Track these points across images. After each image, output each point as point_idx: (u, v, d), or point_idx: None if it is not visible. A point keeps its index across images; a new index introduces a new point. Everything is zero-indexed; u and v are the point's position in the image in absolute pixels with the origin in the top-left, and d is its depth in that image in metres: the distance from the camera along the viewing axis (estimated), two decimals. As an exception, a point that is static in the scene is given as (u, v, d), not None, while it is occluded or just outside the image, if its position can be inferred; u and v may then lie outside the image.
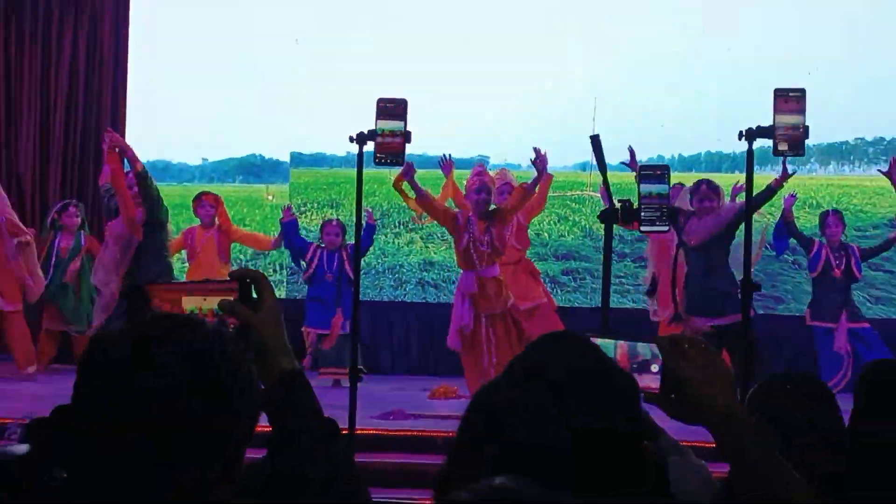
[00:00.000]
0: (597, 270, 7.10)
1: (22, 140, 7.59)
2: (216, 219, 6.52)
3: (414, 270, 7.75)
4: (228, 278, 1.34)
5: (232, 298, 1.29)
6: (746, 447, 1.26)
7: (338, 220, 6.73)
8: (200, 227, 6.57)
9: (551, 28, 7.65)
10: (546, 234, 7.78)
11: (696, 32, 7.77)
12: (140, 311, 1.32)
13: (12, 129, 7.62)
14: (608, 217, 3.08)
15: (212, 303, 1.31)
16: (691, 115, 7.90)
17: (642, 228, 3.14)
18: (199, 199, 6.57)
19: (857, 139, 8.22)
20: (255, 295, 1.32)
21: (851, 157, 8.33)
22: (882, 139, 8.15)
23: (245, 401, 1.14)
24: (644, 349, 1.37)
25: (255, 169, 8.43)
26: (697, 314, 5.43)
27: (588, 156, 6.73)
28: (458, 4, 7.67)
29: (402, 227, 7.83)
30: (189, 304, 1.34)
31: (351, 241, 5.65)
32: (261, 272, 1.40)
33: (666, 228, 3.27)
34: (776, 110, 3.12)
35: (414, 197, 5.59)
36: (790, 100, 3.13)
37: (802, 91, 3.16)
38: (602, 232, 3.17)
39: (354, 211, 3.67)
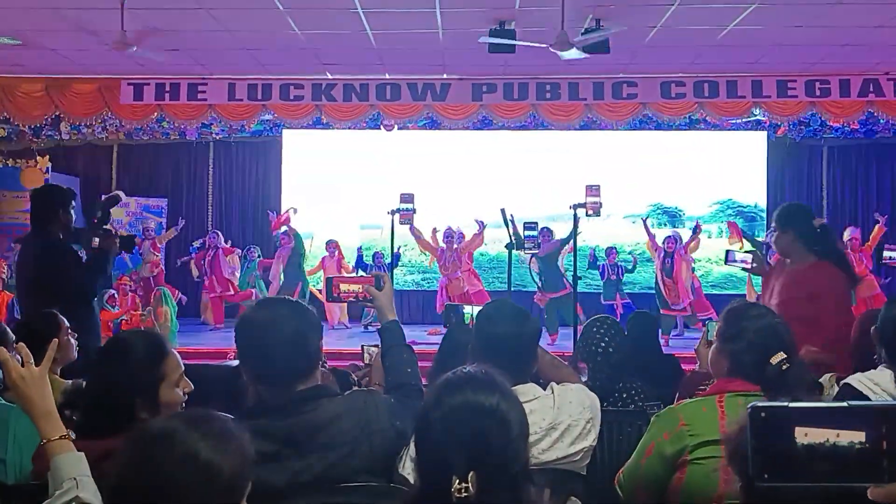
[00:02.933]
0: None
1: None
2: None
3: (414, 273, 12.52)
4: (369, 275, 2.71)
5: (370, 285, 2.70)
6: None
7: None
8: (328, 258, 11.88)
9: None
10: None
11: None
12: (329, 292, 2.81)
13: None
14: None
15: (357, 285, 2.72)
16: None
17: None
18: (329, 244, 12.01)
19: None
20: (381, 283, 2.69)
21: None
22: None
23: None
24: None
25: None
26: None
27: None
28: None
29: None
30: (345, 286, 2.74)
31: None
32: (386, 273, 2.81)
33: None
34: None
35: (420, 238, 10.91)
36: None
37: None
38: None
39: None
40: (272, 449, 2.15)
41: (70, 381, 3.41)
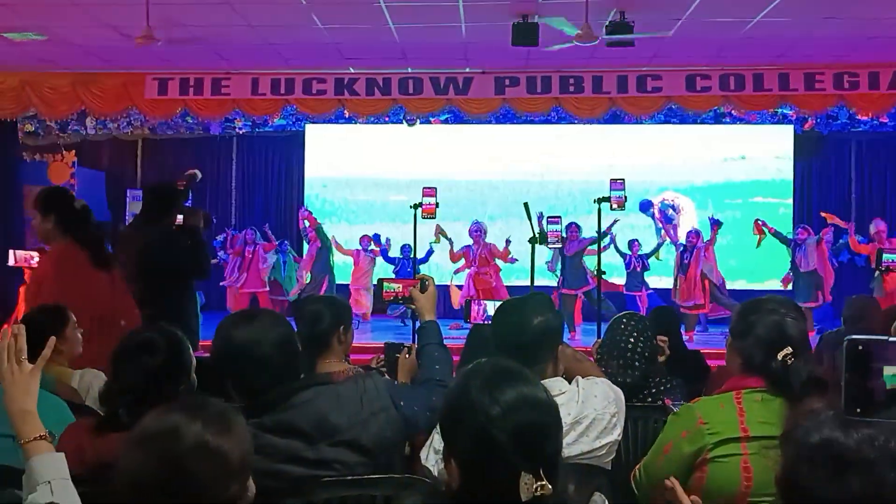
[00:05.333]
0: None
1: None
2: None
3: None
4: (415, 277, 2.84)
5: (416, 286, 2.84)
6: None
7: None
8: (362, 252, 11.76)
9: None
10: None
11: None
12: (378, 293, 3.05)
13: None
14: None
15: (400, 285, 2.91)
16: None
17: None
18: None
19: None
20: (426, 285, 2.83)
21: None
22: None
23: None
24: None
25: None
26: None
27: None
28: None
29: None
30: (390, 285, 2.95)
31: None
32: (430, 276, 2.90)
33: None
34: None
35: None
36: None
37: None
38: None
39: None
40: (283, 443, 2.15)
41: (79, 372, 3.44)
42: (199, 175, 5.44)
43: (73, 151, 11.84)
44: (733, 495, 2.19)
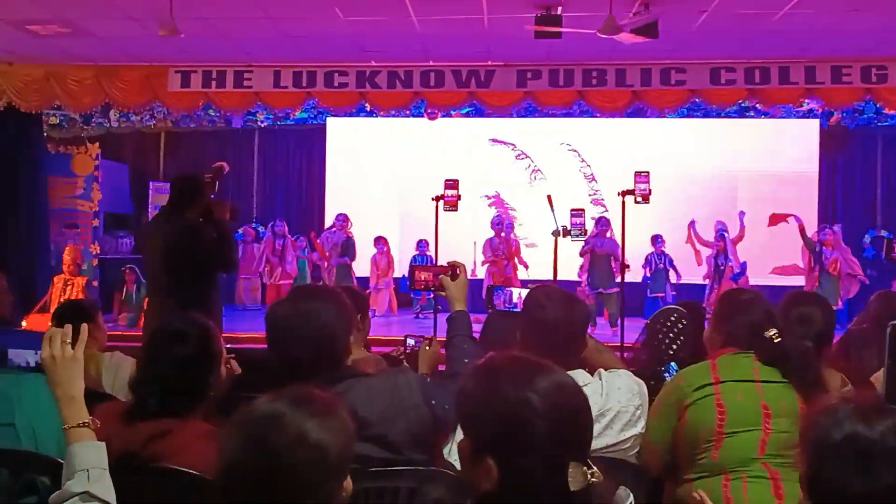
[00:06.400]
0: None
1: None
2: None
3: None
4: (447, 264, 2.79)
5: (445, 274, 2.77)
6: None
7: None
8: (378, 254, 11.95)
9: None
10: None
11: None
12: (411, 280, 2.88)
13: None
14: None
15: (431, 272, 2.81)
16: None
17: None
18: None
19: None
20: (457, 273, 2.76)
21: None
22: None
23: None
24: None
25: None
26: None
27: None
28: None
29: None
30: (421, 274, 2.83)
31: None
32: (462, 263, 2.82)
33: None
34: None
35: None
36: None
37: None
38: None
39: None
40: None
41: (108, 354, 3.52)
42: (227, 168, 5.46)
43: (97, 144, 11.93)
44: (711, 429, 2.46)
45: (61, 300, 9.48)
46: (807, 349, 2.55)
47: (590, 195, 12.72)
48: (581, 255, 10.54)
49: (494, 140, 13.13)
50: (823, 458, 1.46)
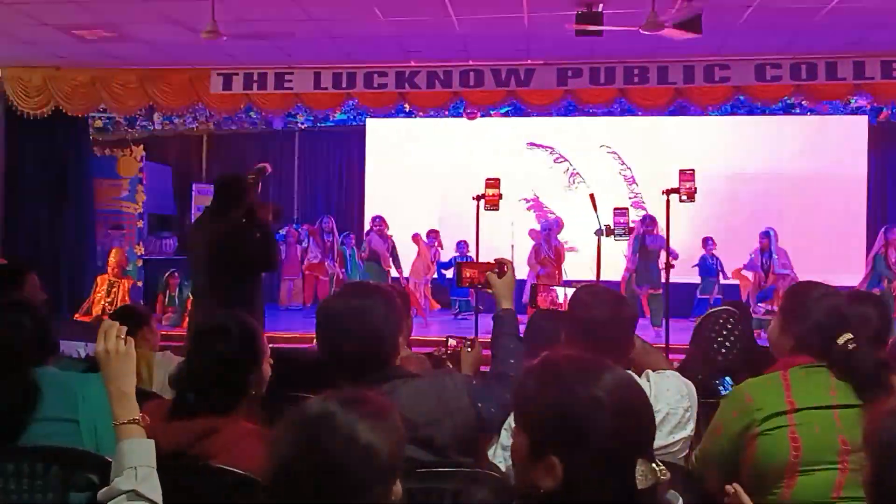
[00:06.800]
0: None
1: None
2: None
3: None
4: (493, 261, 2.71)
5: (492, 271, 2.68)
6: None
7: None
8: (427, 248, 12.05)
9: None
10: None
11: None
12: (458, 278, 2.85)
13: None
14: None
15: (478, 269, 2.74)
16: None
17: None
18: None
19: None
20: (505, 270, 2.67)
21: None
22: None
23: None
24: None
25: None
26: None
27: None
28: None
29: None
30: (467, 271, 2.80)
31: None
32: (509, 261, 2.73)
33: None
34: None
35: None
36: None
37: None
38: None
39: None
40: None
41: (159, 353, 3.57)
42: (269, 169, 5.49)
43: (141, 146, 12.11)
44: (783, 466, 2.22)
45: (105, 303, 9.63)
46: (882, 363, 2.30)
47: (630, 198, 12.56)
48: (628, 255, 10.34)
49: (532, 144, 13.06)
50: (890, 464, 1.41)
